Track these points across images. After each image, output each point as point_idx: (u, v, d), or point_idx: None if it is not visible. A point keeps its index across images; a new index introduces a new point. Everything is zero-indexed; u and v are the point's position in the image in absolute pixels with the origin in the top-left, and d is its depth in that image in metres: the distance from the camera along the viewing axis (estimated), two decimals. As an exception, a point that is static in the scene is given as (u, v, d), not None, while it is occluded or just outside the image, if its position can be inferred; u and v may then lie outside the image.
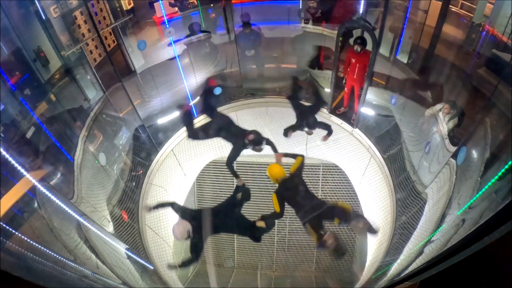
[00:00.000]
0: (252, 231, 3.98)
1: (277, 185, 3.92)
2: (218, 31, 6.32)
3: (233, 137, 4.35)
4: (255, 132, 4.13)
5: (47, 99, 3.91)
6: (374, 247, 5.18)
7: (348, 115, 5.78)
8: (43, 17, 3.88)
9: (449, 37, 4.16)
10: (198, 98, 6.35)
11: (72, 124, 4.24)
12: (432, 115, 4.18)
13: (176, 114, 5.98)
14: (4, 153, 2.75)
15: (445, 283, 1.79)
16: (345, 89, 5.55)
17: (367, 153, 5.56)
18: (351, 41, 5.33)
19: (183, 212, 3.93)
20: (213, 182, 7.67)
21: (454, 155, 3.55)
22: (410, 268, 2.66)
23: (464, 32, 3.96)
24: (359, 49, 4.83)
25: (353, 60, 5.06)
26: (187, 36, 6.01)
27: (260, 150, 4.21)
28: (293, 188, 3.74)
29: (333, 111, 6.05)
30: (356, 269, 7.06)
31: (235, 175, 4.61)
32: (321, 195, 7.37)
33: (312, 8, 6.02)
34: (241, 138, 4.21)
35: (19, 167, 2.87)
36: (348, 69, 5.26)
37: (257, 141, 4.08)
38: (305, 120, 4.84)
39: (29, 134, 3.42)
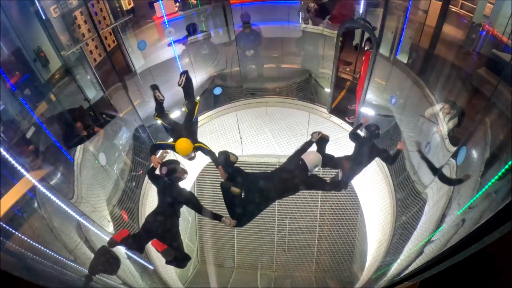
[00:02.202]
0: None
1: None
2: (211, 30, 6.35)
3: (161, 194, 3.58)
4: (165, 164, 3.49)
5: (47, 99, 3.91)
6: (374, 247, 5.19)
7: (352, 113, 5.79)
8: (43, 17, 3.88)
9: (449, 37, 4.16)
10: (198, 98, 6.36)
11: (72, 124, 4.24)
12: (432, 115, 4.18)
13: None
14: (4, 153, 2.75)
15: (445, 283, 1.79)
16: (358, 87, 5.57)
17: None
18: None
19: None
20: (213, 182, 7.68)
21: (454, 155, 3.55)
22: (410, 268, 2.66)
23: (464, 32, 3.96)
24: (368, 47, 4.96)
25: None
26: (187, 37, 6.02)
27: (184, 173, 3.53)
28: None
29: (333, 111, 6.06)
30: (356, 269, 7.07)
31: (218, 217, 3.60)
32: (321, 195, 7.38)
33: (313, 10, 6.01)
34: (161, 181, 3.57)
35: (19, 167, 2.87)
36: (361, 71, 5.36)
37: (171, 170, 3.44)
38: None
39: (29, 134, 3.42)
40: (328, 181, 4.11)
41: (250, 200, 3.51)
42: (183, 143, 3.67)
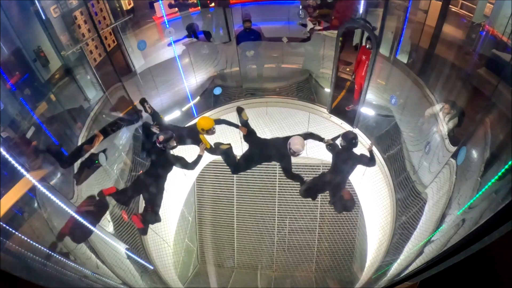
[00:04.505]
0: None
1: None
2: (213, 30, 6.34)
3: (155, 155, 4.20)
4: (162, 133, 4.07)
5: (47, 99, 3.91)
6: (374, 247, 5.19)
7: (353, 113, 5.81)
8: (43, 17, 3.88)
9: (449, 37, 4.16)
10: (198, 98, 6.37)
11: (72, 124, 4.24)
12: (432, 115, 4.18)
13: (176, 114, 5.99)
14: (4, 153, 2.75)
15: (445, 283, 1.80)
16: (356, 86, 5.68)
17: (367, 153, 5.56)
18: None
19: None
20: (213, 182, 7.68)
21: (454, 155, 3.55)
22: (410, 268, 2.66)
23: (464, 32, 3.96)
24: (370, 46, 4.94)
25: (364, 57, 5.20)
26: (187, 37, 6.02)
27: (174, 144, 4.09)
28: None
29: (333, 111, 6.06)
30: (356, 269, 7.07)
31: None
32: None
33: (311, 8, 6.01)
34: (157, 150, 4.11)
35: (19, 167, 2.87)
36: (358, 67, 5.45)
37: (166, 139, 4.01)
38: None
39: (29, 134, 3.42)
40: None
41: (252, 154, 4.38)
42: (205, 118, 4.35)
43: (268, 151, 4.28)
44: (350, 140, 4.15)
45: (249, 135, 4.44)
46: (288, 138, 4.13)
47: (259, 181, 7.42)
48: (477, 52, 3.67)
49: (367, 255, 5.59)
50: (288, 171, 4.28)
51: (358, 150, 4.34)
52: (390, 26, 4.87)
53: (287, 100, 6.47)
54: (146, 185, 4.15)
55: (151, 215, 4.16)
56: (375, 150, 5.40)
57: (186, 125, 5.17)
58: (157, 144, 4.04)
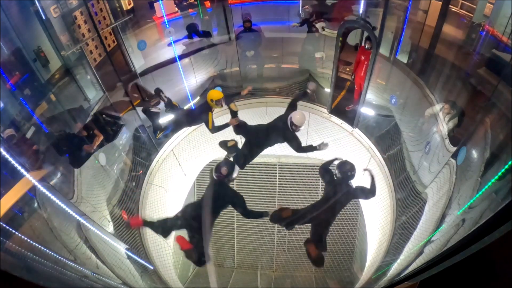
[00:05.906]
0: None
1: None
2: (214, 31, 6.35)
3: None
4: (225, 165, 3.68)
5: (47, 99, 3.91)
6: (374, 247, 5.19)
7: (353, 113, 5.81)
8: (43, 17, 3.88)
9: (449, 37, 4.16)
10: (198, 98, 6.37)
11: (72, 124, 4.24)
12: (432, 115, 4.18)
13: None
14: (4, 153, 2.75)
15: (445, 283, 1.79)
16: (355, 86, 5.68)
17: (367, 153, 5.56)
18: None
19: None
20: (213, 182, 7.65)
21: (454, 155, 3.55)
22: (410, 268, 2.66)
23: (464, 32, 3.96)
24: (369, 46, 4.94)
25: (363, 58, 5.20)
26: (187, 37, 6.01)
27: (235, 175, 3.72)
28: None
29: (333, 111, 6.05)
30: (356, 269, 7.06)
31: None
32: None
33: (308, 13, 6.05)
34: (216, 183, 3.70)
35: (19, 167, 2.87)
36: (357, 67, 5.44)
37: (230, 172, 3.63)
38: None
39: (29, 134, 3.43)
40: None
41: (250, 142, 4.39)
42: (215, 90, 4.52)
43: (267, 134, 4.22)
44: (345, 172, 3.63)
45: (240, 128, 4.41)
46: (284, 116, 4.04)
47: (259, 181, 7.41)
48: (477, 52, 3.67)
49: (367, 255, 5.59)
50: (298, 147, 4.01)
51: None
52: (390, 26, 4.86)
53: (287, 100, 6.45)
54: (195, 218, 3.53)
55: (197, 253, 3.53)
56: (375, 151, 5.41)
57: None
58: (219, 179, 3.55)
